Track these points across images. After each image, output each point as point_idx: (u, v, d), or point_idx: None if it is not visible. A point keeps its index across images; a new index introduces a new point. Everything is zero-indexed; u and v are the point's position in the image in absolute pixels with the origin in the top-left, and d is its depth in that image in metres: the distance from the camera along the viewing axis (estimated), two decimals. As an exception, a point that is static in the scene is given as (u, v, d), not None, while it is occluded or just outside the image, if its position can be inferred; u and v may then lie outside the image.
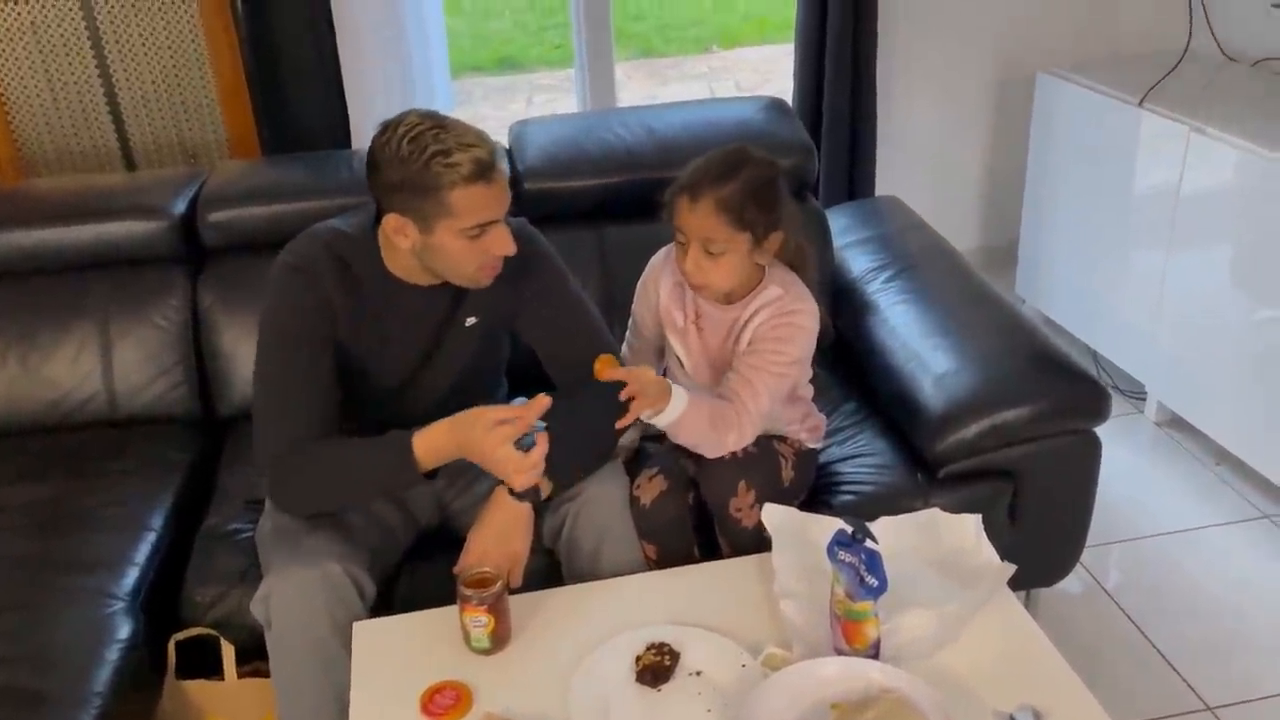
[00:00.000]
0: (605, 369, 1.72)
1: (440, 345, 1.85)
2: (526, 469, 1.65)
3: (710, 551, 1.90)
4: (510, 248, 1.72)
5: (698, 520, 1.94)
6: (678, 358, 1.96)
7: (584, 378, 1.81)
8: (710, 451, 1.83)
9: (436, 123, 1.64)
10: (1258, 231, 2.53)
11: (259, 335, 1.77)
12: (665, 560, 1.86)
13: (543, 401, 1.66)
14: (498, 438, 1.63)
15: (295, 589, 1.65)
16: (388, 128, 1.66)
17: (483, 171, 1.64)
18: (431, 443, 1.67)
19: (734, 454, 1.84)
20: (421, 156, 1.61)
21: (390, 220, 1.68)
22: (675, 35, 7.13)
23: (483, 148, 1.64)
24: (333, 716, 1.66)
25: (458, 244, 1.68)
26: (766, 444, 1.90)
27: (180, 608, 1.90)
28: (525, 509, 1.73)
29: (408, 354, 1.84)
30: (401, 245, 1.71)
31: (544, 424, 1.67)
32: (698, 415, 1.77)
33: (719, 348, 1.91)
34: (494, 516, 1.73)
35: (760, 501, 1.81)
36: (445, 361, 1.86)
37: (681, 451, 1.98)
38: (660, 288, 1.95)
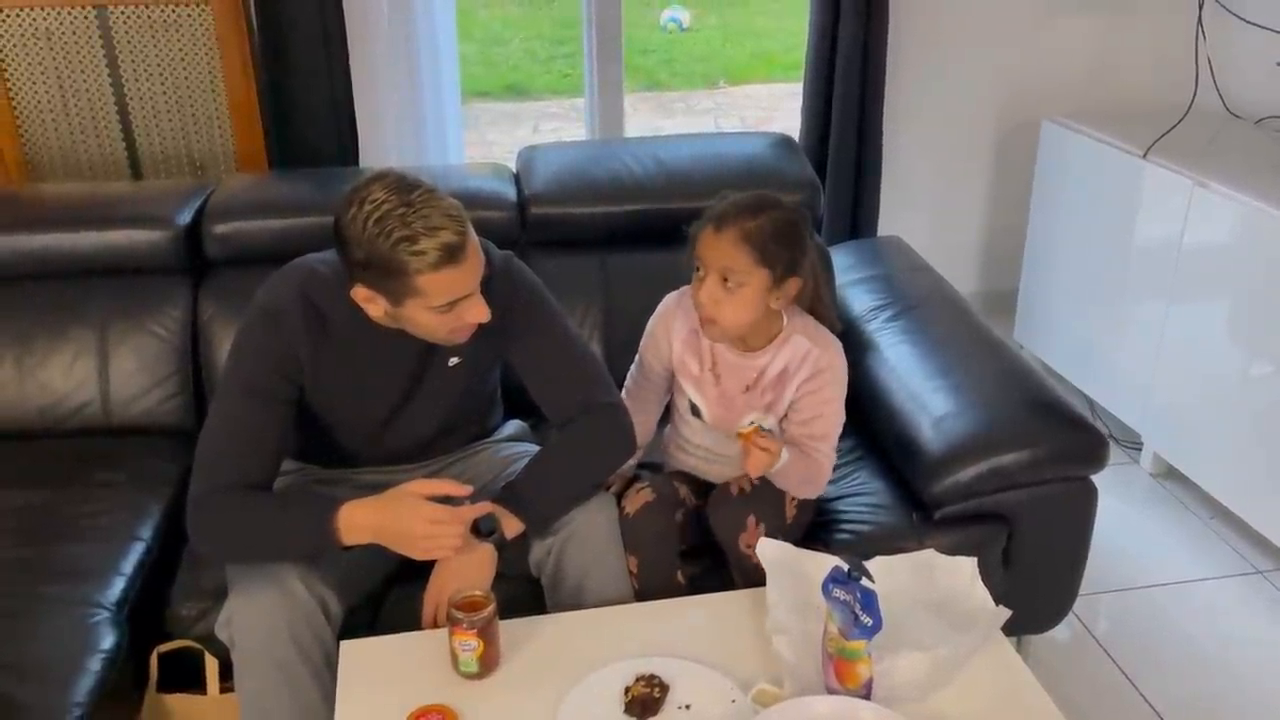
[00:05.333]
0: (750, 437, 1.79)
1: (421, 385, 1.83)
2: (446, 543, 1.64)
3: (711, 584, 1.87)
4: (484, 315, 1.68)
5: (701, 546, 1.93)
6: (691, 403, 1.95)
7: (572, 415, 1.81)
8: (798, 493, 1.91)
9: (403, 200, 1.56)
10: (1258, 287, 2.54)
11: (222, 371, 1.75)
12: (646, 574, 1.83)
13: (485, 507, 1.70)
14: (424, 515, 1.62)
15: (257, 609, 1.63)
16: (353, 202, 1.59)
17: (451, 256, 1.57)
18: (357, 519, 1.63)
19: (741, 489, 1.85)
20: (387, 241, 1.56)
21: (359, 291, 1.65)
22: (682, 69, 7.18)
23: (450, 229, 1.57)
24: None
25: (429, 317, 1.65)
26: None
27: (165, 620, 1.89)
28: (487, 549, 1.72)
29: (387, 395, 1.83)
30: (372, 313, 1.70)
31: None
32: (793, 467, 1.85)
33: (738, 395, 1.91)
34: (455, 555, 1.69)
35: (768, 536, 1.80)
36: (428, 400, 1.85)
37: (682, 479, 1.98)
38: (674, 336, 1.95)
